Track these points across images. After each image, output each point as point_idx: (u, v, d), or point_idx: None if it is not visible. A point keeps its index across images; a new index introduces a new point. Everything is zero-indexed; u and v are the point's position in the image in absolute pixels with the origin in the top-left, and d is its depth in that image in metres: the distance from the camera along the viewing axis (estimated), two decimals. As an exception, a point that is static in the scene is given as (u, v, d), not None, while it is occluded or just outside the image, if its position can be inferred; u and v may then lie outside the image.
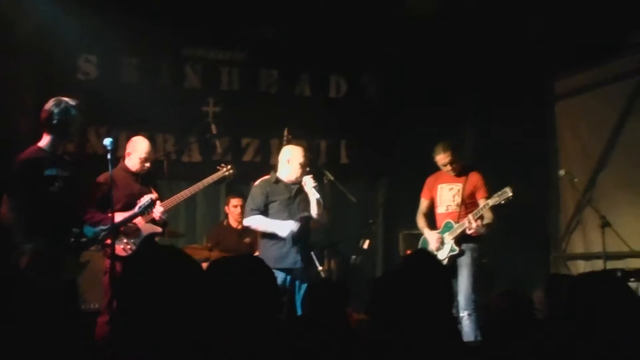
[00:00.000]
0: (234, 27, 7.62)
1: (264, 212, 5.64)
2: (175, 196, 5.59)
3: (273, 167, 5.85)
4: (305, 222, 5.63)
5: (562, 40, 7.46)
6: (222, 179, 6.01)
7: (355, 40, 8.00)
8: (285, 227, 5.53)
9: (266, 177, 5.83)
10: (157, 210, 5.37)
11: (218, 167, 5.92)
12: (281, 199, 5.65)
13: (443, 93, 8.01)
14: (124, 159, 5.58)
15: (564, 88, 8.38)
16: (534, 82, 8.04)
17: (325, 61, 8.26)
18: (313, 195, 5.67)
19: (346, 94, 8.47)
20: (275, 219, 5.61)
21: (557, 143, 8.44)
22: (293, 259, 5.52)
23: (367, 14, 7.68)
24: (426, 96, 8.03)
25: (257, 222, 5.66)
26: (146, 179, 5.53)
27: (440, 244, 6.13)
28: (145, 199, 5.25)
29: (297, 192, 5.71)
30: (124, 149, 5.70)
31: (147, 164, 5.52)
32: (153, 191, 5.47)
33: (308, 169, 5.77)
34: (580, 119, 8.19)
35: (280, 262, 5.45)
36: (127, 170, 5.50)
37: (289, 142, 7.04)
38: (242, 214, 7.09)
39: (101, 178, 5.25)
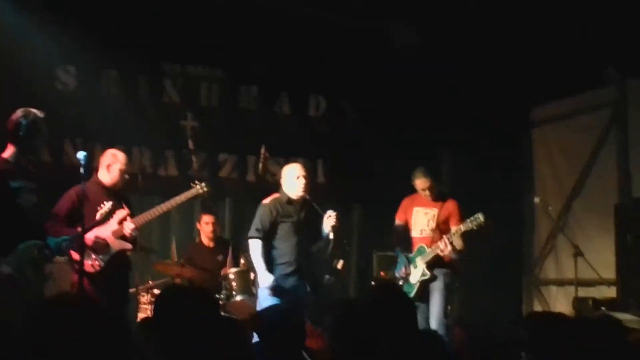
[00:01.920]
0: (215, 43, 7.62)
1: (271, 231, 5.57)
2: (146, 213, 5.48)
3: (278, 187, 5.76)
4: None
5: (540, 70, 7.56)
6: (196, 197, 5.91)
7: (337, 65, 8.06)
8: (264, 279, 5.47)
9: (276, 195, 5.70)
10: (128, 227, 5.26)
11: (192, 184, 5.83)
12: (291, 220, 5.58)
13: (420, 119, 8.07)
14: (97, 172, 5.41)
15: (540, 116, 8.47)
16: (511, 110, 8.12)
17: (305, 80, 8.28)
18: (327, 228, 5.59)
19: (325, 113, 8.48)
20: (283, 240, 5.57)
21: (533, 170, 8.51)
22: (291, 283, 5.54)
23: (351, 42, 7.76)
24: (404, 122, 8.10)
25: (252, 250, 5.60)
26: (118, 193, 5.41)
27: (410, 269, 6.14)
28: (105, 207, 5.14)
29: (301, 208, 5.64)
30: (99, 161, 5.55)
31: (127, 176, 5.45)
32: (125, 207, 5.39)
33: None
34: (555, 148, 8.26)
35: (281, 282, 5.51)
36: (100, 184, 5.34)
37: (265, 160, 7.06)
38: (214, 232, 7.08)
39: (72, 192, 5.15)
